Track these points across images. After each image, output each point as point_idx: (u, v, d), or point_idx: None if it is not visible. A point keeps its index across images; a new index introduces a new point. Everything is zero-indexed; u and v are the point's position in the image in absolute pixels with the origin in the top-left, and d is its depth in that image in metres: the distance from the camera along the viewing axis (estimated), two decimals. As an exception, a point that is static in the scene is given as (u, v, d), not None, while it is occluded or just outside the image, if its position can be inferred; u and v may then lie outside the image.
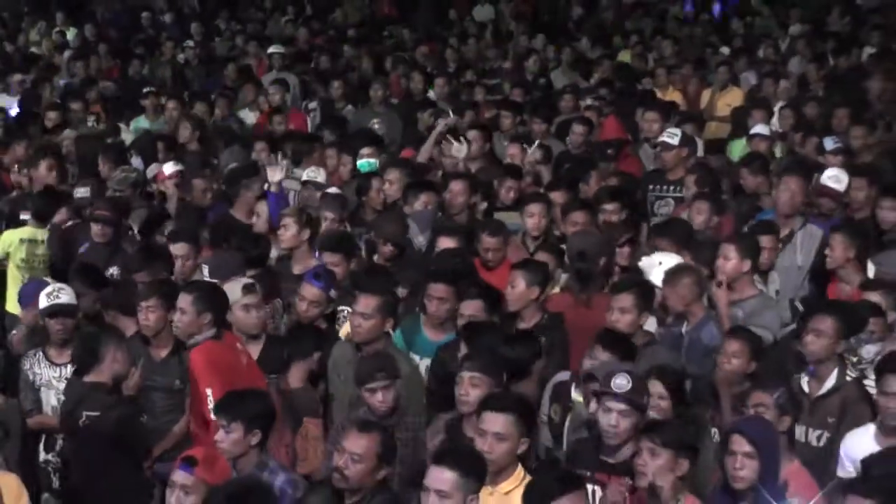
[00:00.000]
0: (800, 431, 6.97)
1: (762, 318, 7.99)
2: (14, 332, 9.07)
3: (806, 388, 7.21)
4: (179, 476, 5.88)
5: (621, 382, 6.29)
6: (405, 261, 9.29)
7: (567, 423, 7.17)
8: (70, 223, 10.52)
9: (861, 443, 6.71)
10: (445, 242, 9.06)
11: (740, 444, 5.97)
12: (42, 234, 10.42)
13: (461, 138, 11.84)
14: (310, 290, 8.16)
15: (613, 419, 6.22)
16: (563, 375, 7.41)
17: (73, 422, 7.27)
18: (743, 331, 7.53)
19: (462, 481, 5.45)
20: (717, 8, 26.56)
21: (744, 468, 5.95)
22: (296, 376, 7.83)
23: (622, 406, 6.26)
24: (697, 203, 9.87)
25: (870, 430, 6.78)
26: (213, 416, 6.97)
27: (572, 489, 5.39)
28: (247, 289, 7.96)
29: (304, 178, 11.25)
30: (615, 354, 7.00)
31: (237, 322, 7.98)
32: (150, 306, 7.92)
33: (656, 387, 6.83)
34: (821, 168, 10.72)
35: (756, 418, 6.37)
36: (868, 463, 6.18)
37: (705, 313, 8.18)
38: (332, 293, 8.26)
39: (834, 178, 10.30)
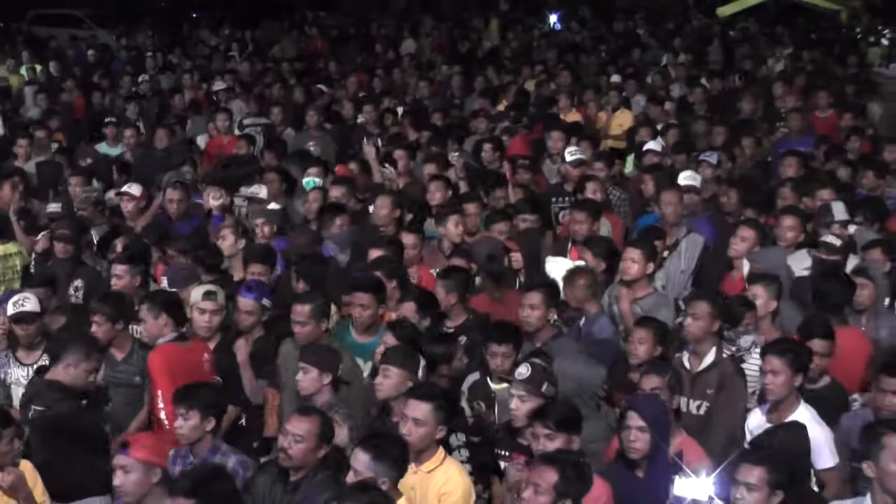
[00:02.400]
0: (682, 402, 7.06)
1: (659, 314, 8.00)
2: None
3: (687, 365, 7.33)
4: (118, 459, 5.87)
5: (522, 371, 6.44)
6: (333, 275, 9.21)
7: (495, 415, 7.15)
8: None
9: (752, 419, 6.86)
10: (374, 253, 9.01)
11: (634, 420, 6.06)
12: (13, 247, 10.35)
13: (385, 164, 11.91)
14: (244, 303, 8.10)
15: (514, 403, 6.33)
16: (475, 376, 7.36)
17: (24, 414, 7.15)
18: (648, 320, 7.60)
19: (373, 463, 5.51)
20: (555, 21, 27.02)
21: (637, 440, 6.03)
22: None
23: (521, 392, 6.37)
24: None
25: (765, 408, 6.89)
26: (161, 415, 7.18)
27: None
28: (206, 294, 7.92)
29: (248, 194, 11.21)
30: (509, 344, 7.11)
31: (193, 323, 7.96)
32: (96, 321, 7.88)
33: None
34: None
35: (648, 396, 6.44)
36: (758, 436, 6.32)
37: (598, 309, 8.25)
38: (266, 301, 8.19)
39: (689, 177, 10.59)
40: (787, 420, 6.57)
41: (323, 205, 10.45)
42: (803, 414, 6.66)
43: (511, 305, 8.27)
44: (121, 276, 8.82)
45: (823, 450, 6.54)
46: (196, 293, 8.01)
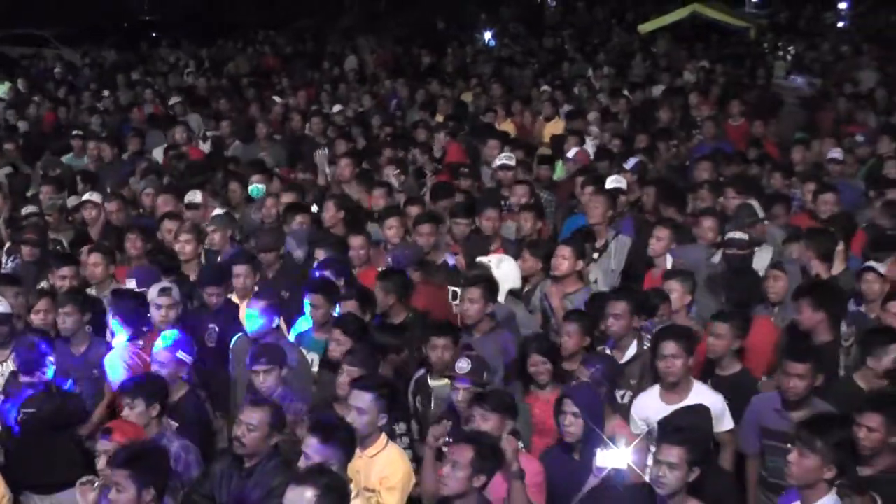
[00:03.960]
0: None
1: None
2: None
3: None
4: (101, 444, 5.91)
5: (462, 364, 6.48)
6: (286, 269, 9.22)
7: (431, 409, 7.14)
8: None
9: (648, 402, 6.89)
10: (320, 254, 8.98)
11: (569, 406, 6.10)
12: None
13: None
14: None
15: (460, 395, 6.35)
16: (419, 372, 7.38)
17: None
18: (577, 313, 7.63)
19: (323, 447, 5.51)
20: (489, 37, 27.18)
21: (572, 425, 6.08)
22: None
23: (464, 384, 6.41)
24: (524, 213, 9.98)
25: (654, 390, 6.94)
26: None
27: None
28: (161, 291, 7.99)
29: (186, 201, 10.97)
30: (449, 337, 7.12)
31: (151, 317, 8.01)
32: (66, 312, 7.88)
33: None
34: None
35: (582, 385, 6.47)
36: (671, 417, 6.32)
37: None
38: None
39: (616, 180, 10.63)
40: (686, 399, 6.67)
41: (287, 204, 10.44)
42: (699, 389, 6.77)
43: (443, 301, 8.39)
44: (66, 277, 8.84)
45: (722, 415, 6.69)
46: (153, 291, 8.07)
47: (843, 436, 5.52)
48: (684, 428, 5.71)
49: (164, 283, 8.19)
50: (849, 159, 12.73)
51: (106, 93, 20.59)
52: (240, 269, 8.62)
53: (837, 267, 8.72)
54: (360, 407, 6.09)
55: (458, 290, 8.59)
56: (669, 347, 6.75)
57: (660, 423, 6.25)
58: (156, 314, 7.95)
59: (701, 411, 6.38)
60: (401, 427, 6.70)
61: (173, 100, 18.78)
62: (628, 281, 9.19)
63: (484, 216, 9.77)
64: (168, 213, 10.43)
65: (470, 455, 5.36)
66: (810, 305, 7.41)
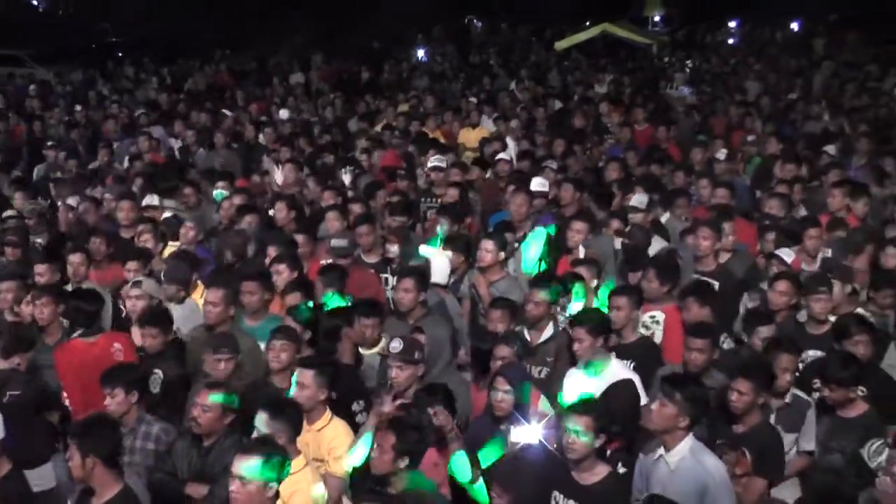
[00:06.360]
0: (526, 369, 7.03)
1: (511, 294, 8.02)
2: None
3: (528, 338, 7.32)
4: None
5: (395, 345, 6.43)
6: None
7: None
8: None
9: (575, 379, 6.86)
10: (272, 251, 8.87)
11: (502, 384, 6.04)
12: None
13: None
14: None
15: (394, 372, 6.29)
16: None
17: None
18: (501, 300, 7.60)
19: (273, 421, 5.48)
20: (422, 55, 27.22)
21: (503, 401, 6.02)
22: None
23: (399, 363, 6.35)
24: (443, 214, 9.90)
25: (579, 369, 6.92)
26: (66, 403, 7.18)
27: None
28: (133, 284, 7.85)
29: (144, 203, 10.88)
30: (376, 318, 7.25)
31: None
32: (42, 303, 7.75)
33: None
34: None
35: (513, 364, 6.44)
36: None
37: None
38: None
39: (539, 183, 10.59)
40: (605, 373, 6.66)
41: (238, 206, 10.35)
42: (615, 366, 6.77)
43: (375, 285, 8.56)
44: (42, 274, 8.70)
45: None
46: (126, 286, 8.04)
47: (697, 392, 5.66)
48: (590, 399, 5.75)
49: (138, 277, 8.04)
50: (735, 159, 12.96)
51: (78, 108, 20.21)
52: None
53: (724, 256, 8.81)
54: (302, 382, 6.05)
55: (388, 276, 8.77)
56: (578, 332, 6.77)
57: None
58: (127, 304, 7.85)
59: (625, 387, 6.44)
60: (359, 404, 6.63)
61: (138, 112, 18.50)
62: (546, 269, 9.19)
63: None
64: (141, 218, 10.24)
65: (392, 440, 5.34)
66: (696, 303, 7.51)
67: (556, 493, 5.47)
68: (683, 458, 5.43)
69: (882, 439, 6.06)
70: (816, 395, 6.69)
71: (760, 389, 6.07)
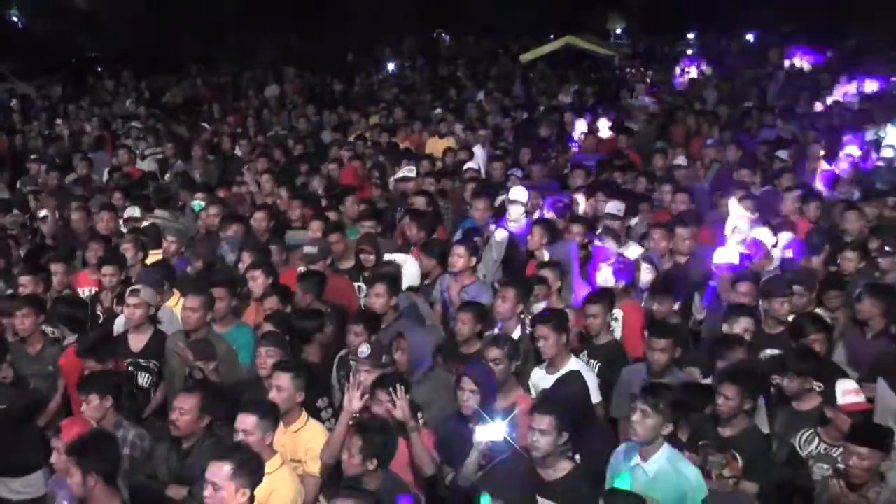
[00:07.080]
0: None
1: (481, 298, 8.01)
2: None
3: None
4: (54, 441, 5.76)
5: (363, 350, 6.42)
6: (219, 271, 9.05)
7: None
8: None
9: (538, 375, 6.93)
10: (246, 258, 8.84)
11: (467, 384, 6.02)
12: None
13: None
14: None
15: (362, 376, 6.21)
16: (343, 351, 7.32)
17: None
18: (470, 304, 7.57)
19: (260, 422, 5.48)
20: (393, 68, 27.18)
21: (469, 400, 6.00)
22: None
23: (366, 367, 6.31)
24: (411, 222, 9.83)
25: (542, 366, 6.96)
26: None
27: None
28: (131, 292, 7.78)
29: (125, 215, 10.74)
30: (363, 325, 7.08)
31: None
32: (23, 314, 7.68)
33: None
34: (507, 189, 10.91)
35: (478, 365, 6.40)
36: (545, 390, 6.43)
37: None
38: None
39: (517, 192, 10.55)
40: (562, 371, 6.68)
41: (224, 215, 10.26)
42: (574, 364, 6.81)
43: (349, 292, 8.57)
44: (26, 286, 8.60)
45: (592, 390, 6.68)
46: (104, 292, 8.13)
47: (676, 397, 5.68)
48: (553, 399, 5.76)
49: (136, 286, 7.94)
50: (694, 165, 13.06)
51: (59, 121, 20.03)
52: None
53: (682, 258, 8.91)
54: (280, 385, 6.04)
55: (361, 284, 8.71)
56: (542, 330, 6.80)
57: (539, 394, 6.27)
58: (126, 311, 7.75)
59: (573, 378, 6.41)
60: (323, 401, 6.64)
61: (116, 125, 18.38)
62: (509, 270, 9.21)
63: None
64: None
65: (359, 444, 5.34)
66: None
67: (540, 500, 5.40)
68: (661, 466, 5.40)
69: (812, 428, 6.06)
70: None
71: (747, 395, 5.98)
